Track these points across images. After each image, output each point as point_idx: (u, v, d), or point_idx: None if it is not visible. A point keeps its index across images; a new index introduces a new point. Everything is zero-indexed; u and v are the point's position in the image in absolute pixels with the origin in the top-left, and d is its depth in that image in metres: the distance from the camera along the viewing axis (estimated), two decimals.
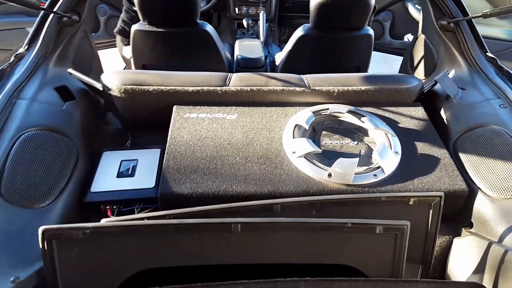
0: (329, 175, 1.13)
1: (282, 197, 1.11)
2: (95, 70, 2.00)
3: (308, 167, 1.16)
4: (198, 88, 1.38)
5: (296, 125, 1.30)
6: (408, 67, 2.09)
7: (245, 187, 1.11)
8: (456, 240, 1.12)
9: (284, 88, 1.40)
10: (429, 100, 1.49)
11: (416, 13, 2.92)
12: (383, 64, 4.62)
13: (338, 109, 1.35)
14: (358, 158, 1.16)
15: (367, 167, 1.17)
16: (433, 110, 1.44)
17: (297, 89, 1.40)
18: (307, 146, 1.20)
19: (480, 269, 1.00)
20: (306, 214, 1.00)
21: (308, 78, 1.45)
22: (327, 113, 1.36)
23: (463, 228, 1.13)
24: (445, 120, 1.38)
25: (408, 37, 3.24)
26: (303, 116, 1.32)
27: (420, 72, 1.93)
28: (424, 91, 1.48)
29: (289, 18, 3.40)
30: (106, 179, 1.22)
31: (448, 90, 1.41)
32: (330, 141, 1.28)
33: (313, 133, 1.31)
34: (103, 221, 0.92)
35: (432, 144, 1.26)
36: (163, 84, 1.38)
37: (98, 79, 1.44)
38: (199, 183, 1.11)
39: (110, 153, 1.33)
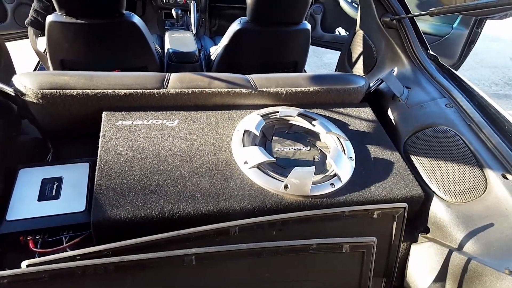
0: (286, 186, 1.04)
1: (236, 214, 1.00)
2: (4, 67, 1.72)
3: (262, 178, 1.07)
4: (132, 91, 1.21)
5: (245, 131, 1.19)
6: (346, 63, 2.08)
7: (194, 206, 0.99)
8: (414, 247, 1.10)
9: (230, 89, 1.28)
10: (375, 99, 1.47)
11: (347, 6, 2.94)
12: (313, 57, 4.68)
13: (288, 112, 1.27)
14: (314, 167, 1.09)
15: (323, 175, 1.11)
16: (380, 110, 1.42)
17: (244, 90, 1.29)
18: (260, 155, 1.10)
19: (441, 277, 0.98)
20: (266, 234, 0.90)
21: (254, 79, 1.34)
22: (277, 116, 1.27)
23: (419, 234, 1.11)
24: (393, 121, 1.37)
25: (339, 30, 3.28)
26: (252, 120, 1.21)
27: (359, 69, 1.92)
28: (371, 91, 1.46)
29: (220, 9, 3.27)
30: (25, 203, 1.02)
31: (394, 89, 1.39)
32: (282, 147, 1.20)
33: (264, 139, 1.22)
34: (24, 265, 0.74)
35: (384, 147, 1.23)
36: (89, 87, 1.19)
37: (9, 80, 1.21)
38: (140, 205, 0.96)
39: (28, 170, 1.12)
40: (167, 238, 0.83)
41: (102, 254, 0.78)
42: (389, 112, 1.40)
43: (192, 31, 2.35)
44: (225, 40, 1.96)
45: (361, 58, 1.89)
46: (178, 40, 2.16)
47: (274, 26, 1.87)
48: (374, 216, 0.92)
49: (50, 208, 1.01)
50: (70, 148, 1.30)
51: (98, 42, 1.77)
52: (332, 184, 1.07)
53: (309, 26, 1.94)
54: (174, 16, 2.57)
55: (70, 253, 0.78)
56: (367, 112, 1.36)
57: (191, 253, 0.77)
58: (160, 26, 2.95)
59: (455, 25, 2.75)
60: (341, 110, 1.35)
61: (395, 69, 1.53)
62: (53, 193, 1.06)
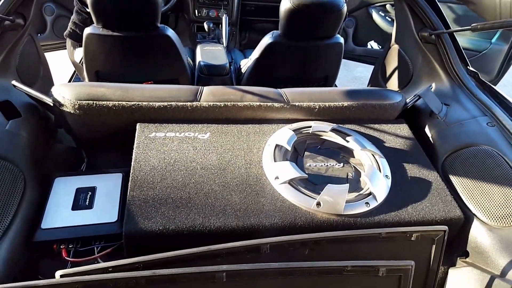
0: (318, 204, 1.02)
1: (266, 230, 0.98)
2: (43, 78, 1.78)
3: (294, 194, 1.04)
4: (165, 103, 1.22)
5: (277, 145, 1.18)
6: (379, 78, 2.04)
7: (225, 220, 0.97)
8: (452, 271, 1.05)
9: (262, 103, 1.28)
10: (412, 116, 1.42)
11: (380, 20, 2.90)
12: (344, 70, 4.62)
13: (321, 128, 1.24)
14: (348, 185, 1.06)
15: (357, 194, 1.07)
16: (416, 127, 1.37)
17: (276, 104, 1.28)
18: (292, 170, 1.08)
19: None
20: (298, 253, 0.88)
21: (287, 93, 1.33)
22: (309, 131, 1.24)
23: (458, 258, 1.06)
24: (430, 138, 1.32)
25: (371, 44, 3.24)
26: (283, 135, 1.20)
27: (393, 84, 1.87)
28: (407, 107, 1.41)
29: (251, 22, 3.29)
30: (59, 212, 1.04)
31: (432, 106, 1.34)
32: (314, 163, 1.17)
33: (295, 154, 1.20)
34: (58, 276, 0.75)
35: (421, 166, 1.18)
36: (125, 98, 1.21)
37: (47, 89, 1.25)
38: (171, 218, 0.96)
39: (63, 179, 1.14)
40: (198, 253, 0.82)
41: (134, 267, 0.78)
42: (427, 130, 1.35)
43: (223, 44, 2.37)
44: (256, 53, 1.96)
45: (396, 73, 1.84)
46: (209, 53, 2.18)
47: (306, 41, 1.86)
48: (413, 238, 0.88)
49: (83, 217, 1.03)
50: (104, 158, 1.32)
51: (132, 54, 1.81)
52: (367, 203, 1.04)
53: (342, 40, 1.92)
54: (206, 29, 2.60)
55: (102, 264, 0.78)
56: (403, 129, 1.32)
57: (222, 269, 0.76)
58: (191, 39, 2.99)
59: (494, 40, 2.66)
60: (376, 126, 1.31)
61: (433, 85, 1.48)
62: (87, 202, 1.07)
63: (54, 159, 1.31)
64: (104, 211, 1.05)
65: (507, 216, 1.01)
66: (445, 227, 0.87)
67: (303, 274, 0.80)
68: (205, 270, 0.75)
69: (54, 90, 1.21)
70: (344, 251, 0.89)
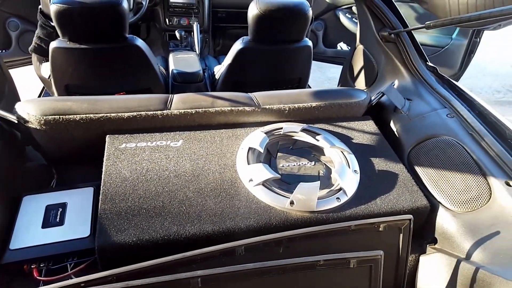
0: (291, 203, 1.04)
1: (242, 233, 0.99)
2: (9, 95, 1.74)
3: (268, 195, 1.06)
4: (135, 113, 1.22)
5: (250, 148, 1.19)
6: (348, 77, 2.09)
7: (200, 227, 0.98)
8: (422, 258, 1.08)
9: (233, 108, 1.29)
10: (377, 112, 1.47)
11: (347, 22, 2.98)
12: (317, 72, 4.71)
13: (292, 128, 1.27)
14: (319, 182, 1.08)
15: (328, 190, 1.10)
16: (382, 123, 1.41)
17: (247, 108, 1.30)
18: (265, 172, 1.10)
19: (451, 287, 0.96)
20: (273, 253, 0.89)
21: (257, 96, 1.35)
22: (281, 133, 1.27)
23: (427, 245, 1.10)
24: (395, 132, 1.37)
25: (341, 45, 3.31)
26: (256, 138, 1.22)
27: (361, 82, 1.92)
28: (372, 104, 1.46)
29: (223, 29, 3.31)
30: (29, 231, 1.02)
31: (395, 101, 1.39)
32: (287, 163, 1.19)
33: (268, 156, 1.22)
34: None
35: (388, 159, 1.22)
36: (92, 111, 1.20)
37: (12, 108, 1.22)
38: (145, 228, 0.96)
39: (32, 197, 1.12)
40: (173, 261, 0.82)
41: (107, 280, 0.77)
42: (392, 124, 1.39)
43: (196, 51, 2.38)
44: (228, 59, 1.98)
45: (363, 72, 1.90)
46: (182, 61, 2.18)
47: (275, 44, 1.89)
48: (380, 229, 0.91)
49: (55, 234, 1.01)
50: (75, 173, 1.30)
51: (102, 66, 1.79)
52: (337, 198, 1.07)
53: (310, 43, 1.96)
54: (178, 38, 2.60)
55: (74, 280, 0.77)
56: (369, 125, 1.36)
57: (196, 275, 0.76)
58: (164, 48, 2.98)
59: (454, 35, 2.77)
60: (344, 124, 1.35)
61: (396, 82, 1.54)
62: (57, 219, 1.06)
63: (23, 177, 1.29)
64: (76, 226, 1.04)
65: (469, 201, 1.06)
66: (410, 216, 0.91)
67: (278, 272, 0.81)
68: (179, 277, 0.76)
69: (18, 107, 1.19)
70: (317, 247, 0.91)
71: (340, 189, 1.09)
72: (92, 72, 1.79)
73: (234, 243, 0.86)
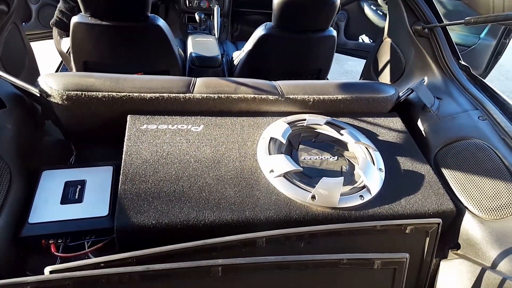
0: (313, 197, 1.01)
1: (261, 224, 0.97)
2: (28, 68, 1.73)
3: (288, 187, 1.04)
4: (157, 94, 1.20)
5: (272, 138, 1.16)
6: (371, 71, 2.04)
7: (219, 214, 0.96)
8: (443, 263, 1.06)
9: (256, 96, 1.26)
10: (405, 109, 1.42)
11: (371, 14, 2.90)
12: (335, 64, 4.62)
13: (316, 121, 1.23)
14: (342, 178, 1.05)
15: (351, 187, 1.07)
16: (409, 120, 1.37)
17: (270, 97, 1.27)
18: (286, 164, 1.07)
19: None
20: (294, 247, 0.87)
21: (281, 85, 1.32)
22: (304, 124, 1.24)
23: (449, 250, 1.07)
24: (422, 132, 1.32)
25: (363, 38, 3.24)
26: (278, 128, 1.19)
27: (385, 77, 1.87)
28: (400, 100, 1.41)
29: (243, 14, 3.26)
30: (48, 206, 1.01)
31: (424, 99, 1.35)
32: (309, 156, 1.17)
33: (290, 147, 1.19)
34: (47, 272, 0.73)
35: (414, 159, 1.19)
36: (115, 89, 1.18)
37: (32, 79, 1.21)
38: (164, 211, 0.94)
39: (51, 172, 1.11)
40: (193, 247, 0.81)
41: (127, 262, 0.76)
42: (419, 123, 1.35)
43: (215, 35, 2.34)
44: (249, 45, 1.94)
45: (388, 67, 1.85)
46: (201, 44, 2.15)
47: (299, 33, 1.85)
48: (407, 231, 0.89)
49: (73, 211, 1.00)
50: (93, 151, 1.29)
51: (122, 44, 1.77)
52: (361, 196, 1.04)
53: (335, 33, 1.91)
54: (197, 20, 2.56)
55: (94, 260, 0.76)
56: (396, 123, 1.32)
57: (217, 264, 0.74)
58: (182, 30, 2.95)
59: (482, 35, 2.69)
60: (370, 119, 1.31)
61: (425, 79, 1.49)
62: (76, 196, 1.04)
63: (42, 152, 1.28)
64: (95, 205, 1.03)
65: (498, 209, 1.02)
66: (439, 220, 0.88)
67: (299, 268, 0.79)
68: (200, 265, 0.74)
69: (40, 80, 1.17)
70: (339, 244, 0.89)
71: (364, 186, 1.06)
72: (112, 50, 1.77)
73: (255, 234, 0.84)
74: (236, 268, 0.76)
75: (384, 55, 1.88)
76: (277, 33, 1.83)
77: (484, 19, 1.12)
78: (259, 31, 1.86)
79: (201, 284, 0.76)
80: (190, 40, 2.23)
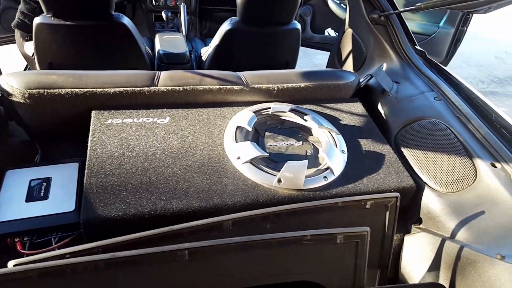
0: (279, 180, 1.04)
1: (229, 210, 0.99)
2: None
3: (255, 173, 1.06)
4: (121, 89, 1.20)
5: (238, 127, 1.19)
6: (336, 62, 2.09)
7: (187, 202, 0.98)
8: (407, 238, 1.10)
9: (221, 86, 1.28)
10: (365, 94, 1.47)
11: (335, 7, 2.96)
12: (304, 58, 4.70)
13: (280, 108, 1.26)
14: (306, 160, 1.09)
15: (316, 169, 1.10)
16: (370, 105, 1.42)
17: (235, 87, 1.29)
18: (253, 150, 1.09)
19: (435, 267, 0.98)
20: (260, 228, 0.90)
21: (246, 76, 1.34)
22: (269, 112, 1.26)
23: (412, 225, 1.12)
24: (383, 115, 1.37)
25: (329, 31, 3.30)
26: (244, 117, 1.21)
27: (348, 66, 1.92)
28: (361, 86, 1.46)
29: (210, 11, 3.26)
30: (12, 205, 1.00)
31: (383, 84, 1.40)
32: (275, 142, 1.19)
33: (256, 135, 1.21)
34: (11, 264, 0.72)
35: (375, 141, 1.23)
36: (78, 86, 1.17)
37: None
38: (131, 203, 0.95)
39: (15, 171, 1.10)
40: (159, 234, 0.82)
41: (93, 251, 0.77)
42: (379, 107, 1.40)
43: (182, 33, 2.34)
44: (216, 40, 1.95)
45: (351, 56, 1.90)
46: (168, 42, 2.15)
47: (264, 26, 1.87)
48: (367, 206, 0.92)
49: (38, 208, 0.99)
50: (59, 149, 1.28)
51: (87, 44, 1.75)
52: (325, 177, 1.07)
53: (299, 26, 1.95)
54: (164, 19, 2.55)
55: (59, 251, 0.76)
56: (357, 107, 1.37)
57: (184, 247, 0.76)
58: (150, 29, 2.93)
59: (441, 24, 2.79)
60: (332, 105, 1.35)
61: (384, 65, 1.54)
62: (42, 193, 1.04)
63: (5, 153, 1.26)
64: (61, 201, 1.02)
65: (455, 182, 1.08)
66: (397, 194, 0.92)
67: (264, 246, 0.81)
68: (166, 249, 0.75)
69: (1, 80, 1.15)
70: (303, 224, 0.92)
71: (328, 168, 1.10)
72: (77, 50, 1.75)
73: (221, 217, 0.86)
74: (202, 251, 0.77)
75: (347, 45, 1.93)
76: (242, 28, 1.86)
77: (433, 3, 1.18)
78: (225, 26, 1.88)
79: (168, 269, 0.77)
80: (157, 38, 2.22)
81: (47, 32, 1.63)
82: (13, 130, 1.35)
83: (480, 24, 5.77)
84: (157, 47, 2.09)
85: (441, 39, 2.79)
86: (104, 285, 0.74)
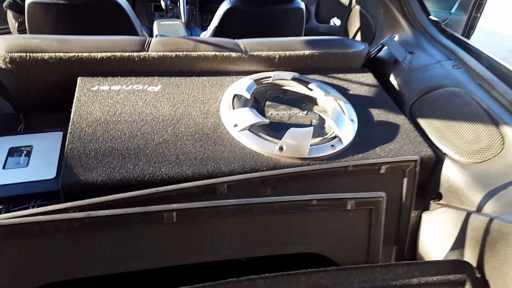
0: (281, 148, 0.93)
1: None
2: None
3: (254, 141, 0.96)
4: (109, 54, 1.10)
5: (236, 95, 1.08)
6: None
7: (179, 169, 0.87)
8: (425, 215, 0.99)
9: (217, 53, 1.18)
10: (376, 66, 1.36)
11: None
12: None
13: (282, 76, 1.16)
14: (312, 127, 0.98)
15: (322, 138, 1.00)
16: (381, 77, 1.31)
17: (233, 54, 1.19)
18: (251, 116, 0.99)
19: (459, 244, 0.86)
20: (259, 194, 0.79)
21: (244, 43, 1.24)
22: (269, 81, 1.16)
23: (431, 201, 1.00)
24: (396, 86, 1.26)
25: (334, 21, 3.20)
26: (242, 84, 1.11)
27: None
28: (371, 56, 1.36)
29: (211, 3, 3.20)
30: None
31: (396, 53, 1.29)
32: (276, 112, 1.09)
33: (256, 104, 1.11)
34: None
35: (388, 110, 1.12)
36: (62, 50, 1.08)
37: None
38: (116, 168, 0.85)
39: None
40: (144, 196, 0.72)
41: (67, 211, 0.67)
42: (391, 78, 1.29)
43: (182, 20, 2.26)
44: (214, 21, 1.86)
45: (359, 34, 1.80)
46: (166, 27, 2.07)
47: (265, 5, 1.78)
48: (382, 171, 0.81)
49: (17, 176, 0.90)
50: (44, 120, 1.19)
51: (80, 23, 1.67)
52: (332, 145, 0.96)
53: (302, 5, 1.85)
54: (163, 7, 2.48)
55: (30, 211, 0.66)
56: (368, 77, 1.26)
57: (171, 208, 0.66)
58: (149, 19, 2.87)
59: (453, 10, 2.68)
60: (340, 75, 1.25)
61: (396, 36, 1.43)
62: (21, 161, 0.94)
63: None
64: (41, 169, 0.92)
65: (479, 151, 0.96)
66: (416, 157, 0.81)
67: (263, 211, 0.71)
68: (151, 210, 0.65)
69: None
70: (308, 190, 0.81)
71: (335, 137, 0.99)
72: (71, 29, 1.67)
73: (215, 180, 0.76)
74: (193, 213, 0.67)
75: (354, 24, 1.83)
76: (242, 7, 1.76)
77: None
78: (224, 6, 1.79)
79: (153, 232, 0.67)
80: (155, 24, 2.14)
81: (40, 12, 1.55)
82: None
83: (491, 20, 5.64)
84: (155, 32, 2.01)
85: (453, 26, 2.67)
86: (77, 248, 0.64)
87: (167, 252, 0.68)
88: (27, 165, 0.93)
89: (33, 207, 0.86)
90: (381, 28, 1.57)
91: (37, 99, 1.16)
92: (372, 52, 1.35)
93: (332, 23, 3.16)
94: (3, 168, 0.92)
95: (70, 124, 0.94)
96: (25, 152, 0.97)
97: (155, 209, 0.66)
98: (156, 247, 0.68)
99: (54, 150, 0.98)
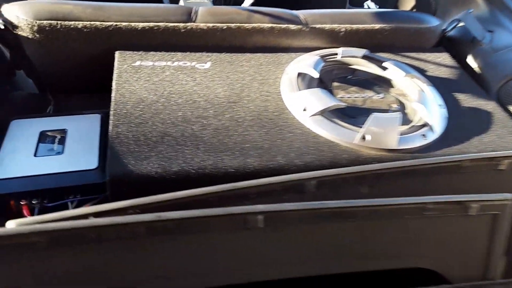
0: (363, 137, 0.78)
1: (299, 172, 0.74)
2: None
3: (329, 128, 0.81)
4: (151, 24, 0.95)
5: (299, 74, 0.93)
6: None
7: (244, 161, 0.73)
8: None
9: (274, 25, 1.02)
10: (449, 45, 1.20)
11: None
12: None
13: (352, 53, 1.00)
14: (399, 112, 0.83)
15: (409, 126, 0.84)
16: (456, 57, 1.14)
17: (292, 27, 1.03)
18: (324, 99, 0.84)
19: None
20: (354, 193, 0.64)
21: (305, 14, 1.08)
22: (336, 58, 1.00)
23: None
24: (475, 68, 1.10)
25: (368, 4, 3.01)
26: (307, 61, 0.95)
27: None
28: (446, 33, 1.19)
29: None
30: (17, 159, 0.77)
31: (474, 31, 1.12)
32: (347, 94, 0.94)
33: (322, 85, 0.95)
34: (11, 224, 0.49)
35: (475, 96, 0.97)
36: (99, 18, 0.93)
37: None
38: (172, 157, 0.71)
39: (22, 121, 0.87)
40: (218, 193, 0.57)
41: (126, 211, 0.52)
42: (469, 59, 1.13)
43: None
44: None
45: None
46: (193, 4, 1.92)
47: None
48: (502, 167, 0.66)
49: (52, 165, 0.76)
50: (75, 101, 1.05)
51: None
52: (423, 135, 0.81)
53: None
54: None
55: (78, 210, 0.52)
56: (445, 58, 1.10)
57: (257, 210, 0.51)
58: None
59: None
60: (413, 54, 1.08)
61: (471, 11, 1.26)
62: (55, 147, 0.80)
63: (11, 109, 1.03)
64: (79, 156, 0.78)
65: None
66: None
67: (368, 217, 0.56)
68: (233, 212, 0.51)
69: (4, 9, 0.92)
70: (410, 191, 0.66)
71: (425, 124, 0.84)
72: None
73: (301, 175, 0.61)
74: (282, 216, 0.53)
75: (407, 2, 1.65)
76: None
77: None
78: None
79: (234, 239, 0.53)
80: (181, 1, 1.99)
81: None
82: (20, 83, 1.12)
83: None
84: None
85: None
86: (144, 258, 0.50)
87: (252, 266, 0.54)
88: (63, 152, 0.79)
89: (72, 203, 0.73)
90: (443, 6, 1.39)
91: (67, 76, 1.02)
92: (448, 29, 1.18)
93: (366, 6, 2.97)
94: (35, 155, 0.78)
95: (112, 104, 0.80)
96: (58, 137, 0.83)
97: (237, 211, 0.51)
98: (238, 260, 0.53)
99: (93, 135, 0.84)
